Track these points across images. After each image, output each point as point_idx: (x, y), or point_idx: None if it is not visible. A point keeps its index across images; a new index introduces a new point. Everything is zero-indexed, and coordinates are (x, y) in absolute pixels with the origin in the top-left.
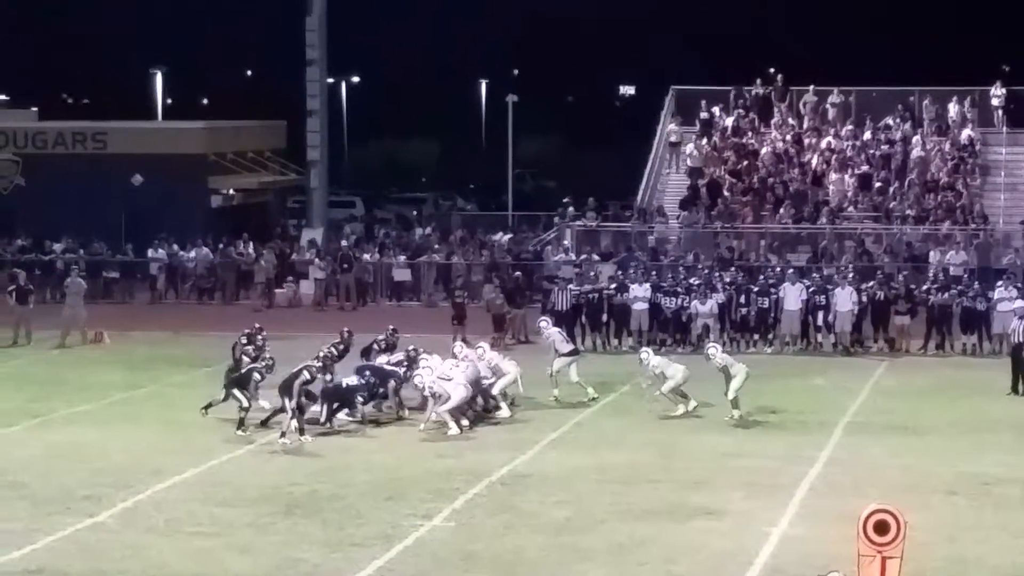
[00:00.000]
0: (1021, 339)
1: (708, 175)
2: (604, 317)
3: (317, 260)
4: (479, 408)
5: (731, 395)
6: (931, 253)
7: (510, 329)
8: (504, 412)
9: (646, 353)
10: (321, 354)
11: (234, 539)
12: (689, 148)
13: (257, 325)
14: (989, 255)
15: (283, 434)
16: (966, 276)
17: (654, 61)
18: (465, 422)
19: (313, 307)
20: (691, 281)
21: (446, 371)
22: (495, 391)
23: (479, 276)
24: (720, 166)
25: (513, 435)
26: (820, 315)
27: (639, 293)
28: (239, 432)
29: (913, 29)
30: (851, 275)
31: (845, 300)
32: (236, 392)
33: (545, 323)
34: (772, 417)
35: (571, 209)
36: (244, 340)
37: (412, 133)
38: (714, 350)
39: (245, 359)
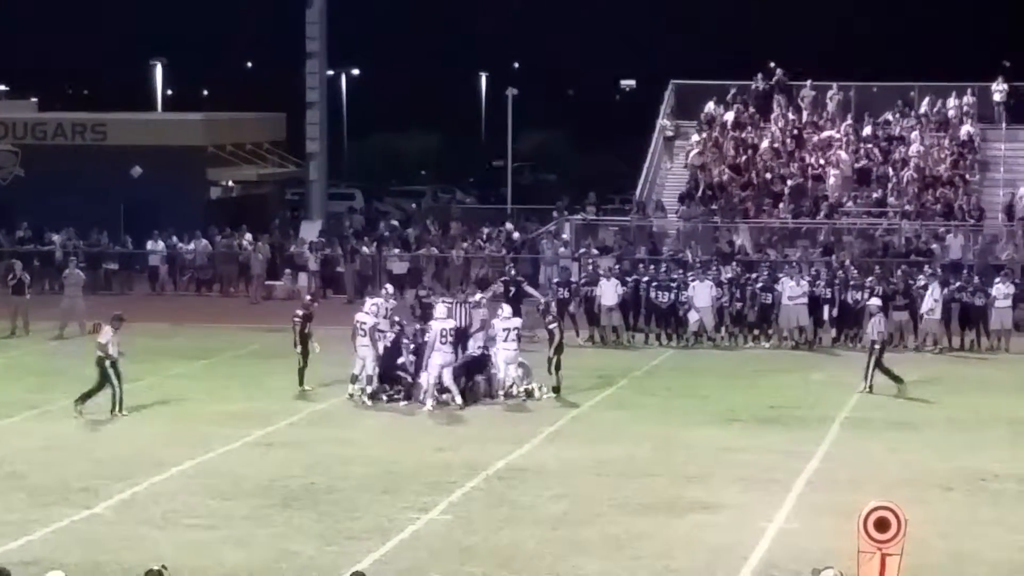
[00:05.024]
0: None
1: (707, 169)
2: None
3: (308, 252)
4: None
5: None
6: (934, 246)
7: None
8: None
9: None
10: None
11: (231, 531)
12: (689, 142)
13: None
14: (987, 251)
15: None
16: (965, 272)
17: (654, 55)
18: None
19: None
20: (687, 276)
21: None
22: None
23: (481, 270)
24: (720, 161)
25: (510, 429)
26: (826, 310)
27: (608, 289)
28: None
29: (913, 24)
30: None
31: (793, 292)
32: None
33: None
34: (770, 412)
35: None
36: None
37: (412, 126)
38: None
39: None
